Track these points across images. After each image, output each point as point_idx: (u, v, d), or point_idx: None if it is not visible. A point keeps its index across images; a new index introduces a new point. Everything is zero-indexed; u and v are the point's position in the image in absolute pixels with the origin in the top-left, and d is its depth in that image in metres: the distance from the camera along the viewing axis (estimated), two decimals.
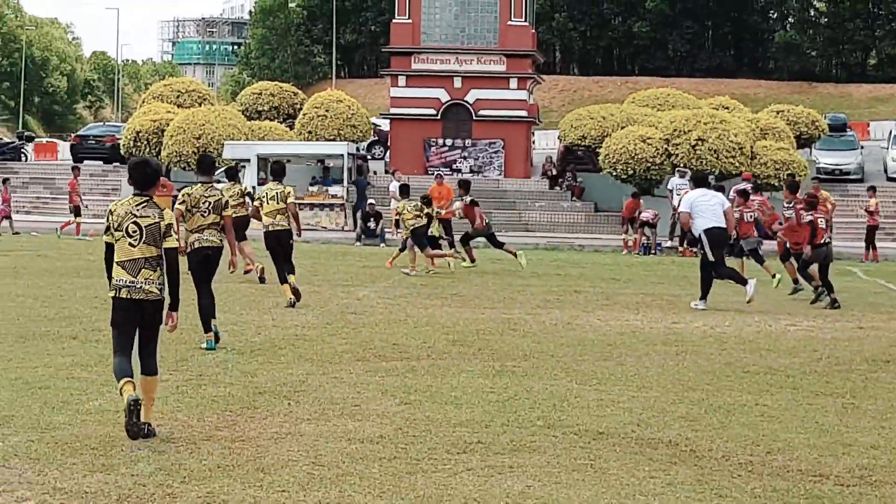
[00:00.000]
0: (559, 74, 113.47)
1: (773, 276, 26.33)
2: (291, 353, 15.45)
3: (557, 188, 55.70)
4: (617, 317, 20.63)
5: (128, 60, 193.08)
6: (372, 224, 43.49)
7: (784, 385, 14.05)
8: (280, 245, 21.12)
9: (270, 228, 21.08)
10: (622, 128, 52.54)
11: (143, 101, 64.90)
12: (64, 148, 76.52)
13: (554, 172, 56.59)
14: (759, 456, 10.43)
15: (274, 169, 21.79)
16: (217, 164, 21.77)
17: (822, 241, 24.10)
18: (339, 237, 43.52)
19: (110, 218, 10.75)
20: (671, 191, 44.41)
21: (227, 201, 16.62)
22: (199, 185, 16.60)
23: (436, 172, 44.03)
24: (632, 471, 9.77)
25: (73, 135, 79.87)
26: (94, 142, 65.35)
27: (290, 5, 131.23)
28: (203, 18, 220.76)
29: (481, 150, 57.59)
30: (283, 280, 20.98)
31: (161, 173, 11.16)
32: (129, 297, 10.65)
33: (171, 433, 10.67)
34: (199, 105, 60.17)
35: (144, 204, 10.75)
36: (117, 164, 60.56)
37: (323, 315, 19.88)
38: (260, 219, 21.41)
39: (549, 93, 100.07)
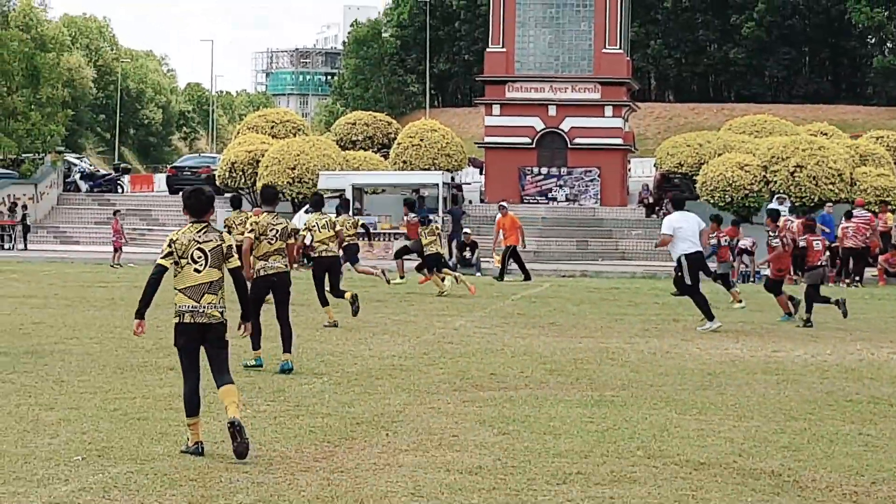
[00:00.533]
0: (654, 102, 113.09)
1: (740, 302, 27.77)
2: (388, 384, 15.41)
3: (654, 216, 55.37)
4: (716, 345, 20.40)
5: (222, 92, 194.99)
6: (468, 253, 43.42)
7: (888, 414, 13.81)
8: (330, 271, 22.41)
9: (323, 254, 22.18)
10: (719, 155, 52.16)
11: (238, 132, 65.39)
12: (160, 179, 77.30)
13: (650, 200, 56.30)
14: (863, 486, 10.25)
15: (314, 201, 23.05)
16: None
17: (818, 263, 24.97)
18: None
19: (174, 246, 11.14)
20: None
21: (293, 229, 17.23)
22: (265, 213, 17.15)
23: (499, 204, 43.96)
24: (734, 502, 9.64)
25: (168, 166, 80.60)
26: (189, 173, 65.85)
27: (384, 35, 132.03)
28: (296, 49, 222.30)
29: (577, 178, 57.41)
30: (326, 303, 22.15)
31: (214, 200, 11.56)
32: (192, 321, 11.05)
33: (269, 464, 10.65)
34: (294, 135, 60.52)
35: (205, 229, 11.20)
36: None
37: (419, 345, 19.84)
38: (308, 249, 22.66)
39: (644, 120, 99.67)
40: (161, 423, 12.39)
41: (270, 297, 17.13)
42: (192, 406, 11.08)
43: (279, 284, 16.85)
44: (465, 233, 44.20)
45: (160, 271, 11.11)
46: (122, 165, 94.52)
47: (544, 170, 57.83)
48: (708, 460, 11.10)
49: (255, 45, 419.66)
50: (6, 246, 54.15)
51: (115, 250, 42.85)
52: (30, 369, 16.08)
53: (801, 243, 25.35)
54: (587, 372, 16.82)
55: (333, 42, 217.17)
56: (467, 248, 43.52)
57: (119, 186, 70.55)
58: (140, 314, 11.32)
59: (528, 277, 37.62)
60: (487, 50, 60.83)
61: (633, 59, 68.27)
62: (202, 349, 11.20)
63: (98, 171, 79.52)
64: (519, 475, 10.41)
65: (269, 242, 16.82)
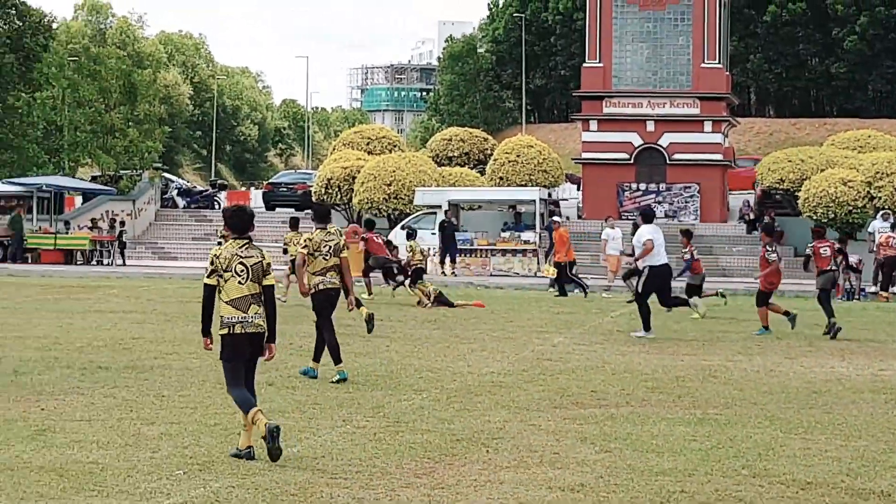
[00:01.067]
0: (755, 117, 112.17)
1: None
2: (488, 400, 15.33)
3: (755, 232, 54.84)
4: (821, 363, 20.11)
5: (317, 108, 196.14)
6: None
7: None
8: None
9: None
10: (822, 171, 51.54)
11: (334, 149, 65.61)
12: (256, 196, 77.74)
13: (751, 216, 55.76)
14: None
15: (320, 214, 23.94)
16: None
17: (827, 268, 26.00)
18: (532, 283, 43.37)
19: (216, 262, 11.70)
20: (871, 234, 43.41)
21: (344, 244, 17.72)
22: (318, 230, 17.54)
23: (552, 219, 43.95)
24: None
25: (264, 182, 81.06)
26: (285, 189, 66.14)
27: (479, 51, 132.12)
28: (392, 65, 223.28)
29: (676, 194, 56.97)
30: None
31: (254, 218, 12.12)
32: (242, 331, 11.66)
33: (369, 480, 10.61)
34: (390, 151, 60.63)
35: (246, 246, 11.77)
36: (308, 211, 60.83)
37: (519, 362, 19.74)
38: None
39: (744, 135, 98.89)
40: (261, 437, 12.37)
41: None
42: (249, 402, 11.58)
43: (335, 298, 17.41)
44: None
45: (210, 291, 11.73)
46: (218, 181, 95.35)
47: (643, 186, 57.46)
48: (815, 480, 10.93)
49: (350, 61, 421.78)
50: (105, 262, 54.70)
51: None
52: (131, 384, 16.19)
53: (807, 250, 26.32)
54: (689, 390, 16.63)
55: (428, 58, 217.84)
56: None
57: (216, 202, 71.06)
58: (206, 332, 11.96)
59: (563, 293, 37.37)
60: (584, 65, 60.55)
61: (732, 74, 67.64)
62: None
63: (195, 187, 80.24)
64: (622, 493, 10.31)
65: (324, 258, 17.27)
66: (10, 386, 15.83)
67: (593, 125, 58.97)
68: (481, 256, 48.59)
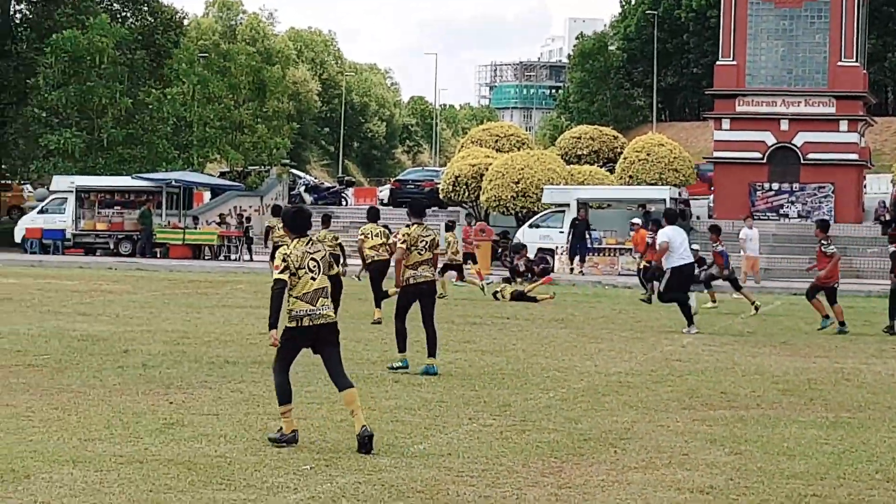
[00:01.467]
0: (892, 116, 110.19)
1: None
2: (615, 400, 15.18)
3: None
4: None
5: (445, 105, 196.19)
6: (695, 269, 42.70)
7: None
8: (383, 273, 24.85)
9: (375, 258, 24.82)
10: None
11: (462, 146, 65.61)
12: (383, 192, 78.00)
13: (887, 217, 54.82)
14: None
15: (370, 213, 25.51)
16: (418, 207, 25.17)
17: None
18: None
19: (289, 260, 12.01)
20: None
21: (438, 241, 18.18)
22: (415, 225, 17.90)
23: (630, 221, 43.64)
24: None
25: (392, 179, 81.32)
26: (412, 186, 66.16)
27: (610, 48, 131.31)
28: (521, 62, 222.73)
29: (810, 194, 56.17)
30: (379, 304, 24.82)
31: (311, 217, 12.53)
32: (310, 324, 12.00)
33: (496, 478, 10.55)
34: (518, 149, 60.48)
35: (310, 242, 12.20)
36: (436, 208, 60.55)
37: (647, 362, 19.55)
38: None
39: (881, 135, 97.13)
40: (387, 434, 12.37)
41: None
42: (287, 394, 11.99)
43: (427, 292, 17.75)
44: (694, 249, 43.42)
45: (282, 286, 12.00)
46: (345, 178, 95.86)
47: (775, 185, 56.72)
48: None
49: (479, 58, 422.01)
50: (232, 257, 55.21)
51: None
52: (258, 379, 16.27)
53: (892, 248, 26.71)
54: (821, 392, 16.34)
55: (558, 55, 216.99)
56: (695, 264, 42.81)
57: (343, 199, 71.35)
58: (273, 326, 12.18)
59: (649, 300, 36.44)
60: (717, 63, 59.94)
61: (869, 72, 66.51)
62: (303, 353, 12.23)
63: (322, 183, 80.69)
64: (752, 496, 10.17)
65: (419, 253, 17.68)
66: (139, 379, 16.01)
67: (726, 124, 58.36)
68: (609, 255, 48.28)
